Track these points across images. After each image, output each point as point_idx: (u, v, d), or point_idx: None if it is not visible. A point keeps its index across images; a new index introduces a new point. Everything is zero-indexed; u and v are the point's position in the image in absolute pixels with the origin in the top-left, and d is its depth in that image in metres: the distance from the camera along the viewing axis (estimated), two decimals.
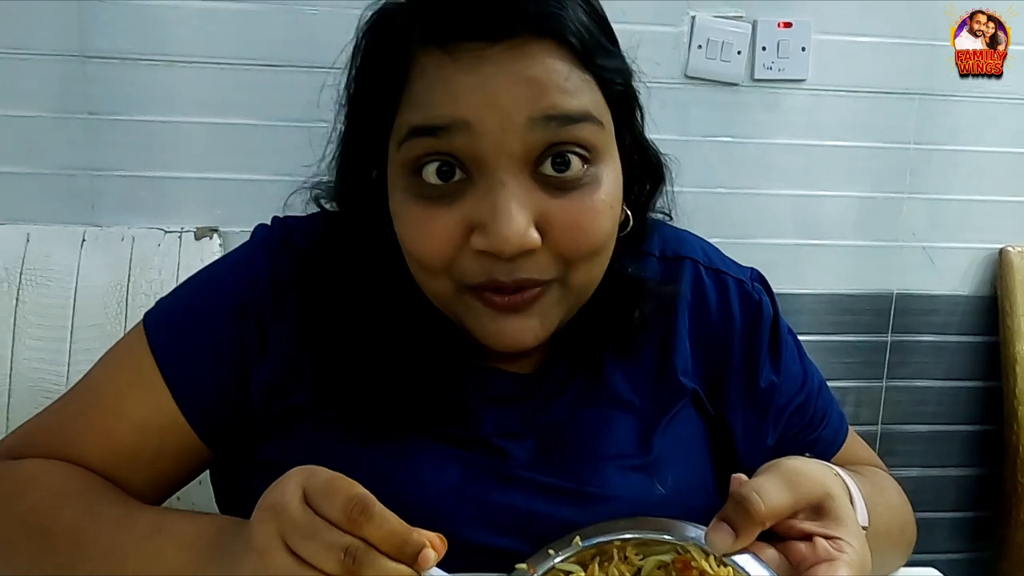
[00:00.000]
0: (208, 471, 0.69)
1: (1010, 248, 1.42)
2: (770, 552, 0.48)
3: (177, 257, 1.25)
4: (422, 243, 0.56)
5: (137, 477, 0.62)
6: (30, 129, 1.22)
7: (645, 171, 0.65)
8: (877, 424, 1.48)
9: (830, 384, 0.77)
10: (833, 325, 1.43)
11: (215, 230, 1.26)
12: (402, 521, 0.44)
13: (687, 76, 1.30)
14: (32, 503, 0.59)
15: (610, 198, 0.57)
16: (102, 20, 1.19)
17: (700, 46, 1.30)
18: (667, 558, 0.48)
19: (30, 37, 1.19)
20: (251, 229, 1.24)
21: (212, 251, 1.26)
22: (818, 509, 0.50)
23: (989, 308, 1.45)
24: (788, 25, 1.31)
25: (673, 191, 0.70)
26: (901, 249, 1.43)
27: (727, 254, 0.76)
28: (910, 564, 0.71)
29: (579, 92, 0.54)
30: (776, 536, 0.49)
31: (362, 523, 0.43)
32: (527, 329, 0.57)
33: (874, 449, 0.81)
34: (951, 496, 1.52)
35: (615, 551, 0.50)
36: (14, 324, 1.18)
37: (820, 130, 1.37)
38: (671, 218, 0.73)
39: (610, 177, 0.57)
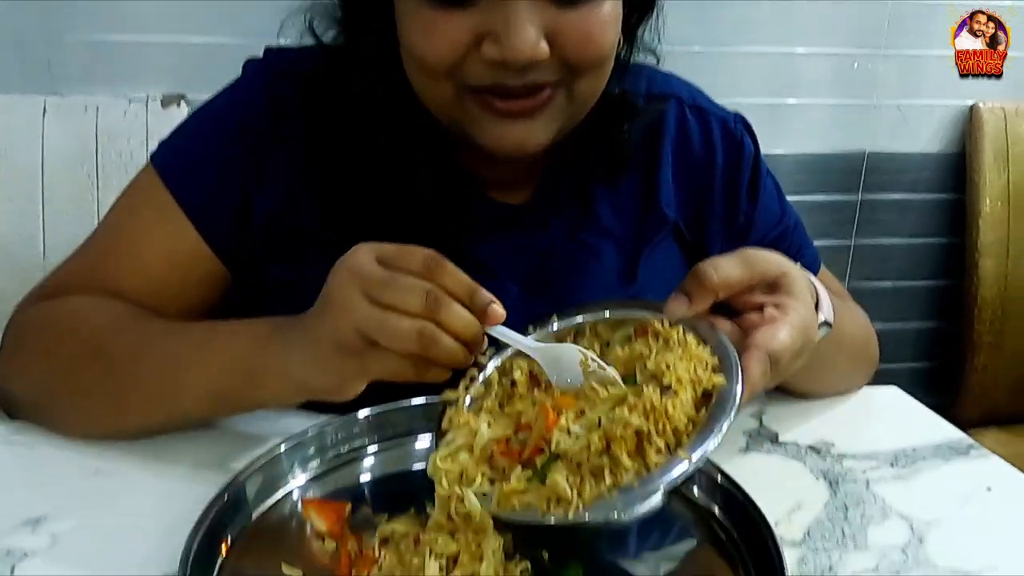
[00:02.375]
0: None
1: (980, 104, 1.44)
2: (726, 324, 0.51)
3: (145, 126, 1.21)
4: (430, 46, 0.55)
5: (170, 305, 0.65)
6: None
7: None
8: (845, 281, 1.53)
9: None
10: (806, 185, 1.45)
11: (182, 97, 1.22)
12: (469, 277, 0.48)
13: None
14: (91, 330, 0.61)
15: (615, 12, 0.58)
16: None
17: None
18: (632, 330, 0.52)
19: None
20: None
21: (180, 118, 1.21)
22: (772, 286, 0.52)
23: (957, 165, 1.48)
24: None
25: (659, 41, 0.69)
26: (875, 108, 1.44)
27: None
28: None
29: None
30: (736, 312, 0.52)
31: (439, 273, 0.47)
32: (531, 134, 0.58)
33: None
34: (912, 349, 1.60)
35: (588, 329, 0.54)
36: None
37: None
38: (658, 61, 0.73)
39: None
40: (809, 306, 0.53)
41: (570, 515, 0.42)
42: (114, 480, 0.56)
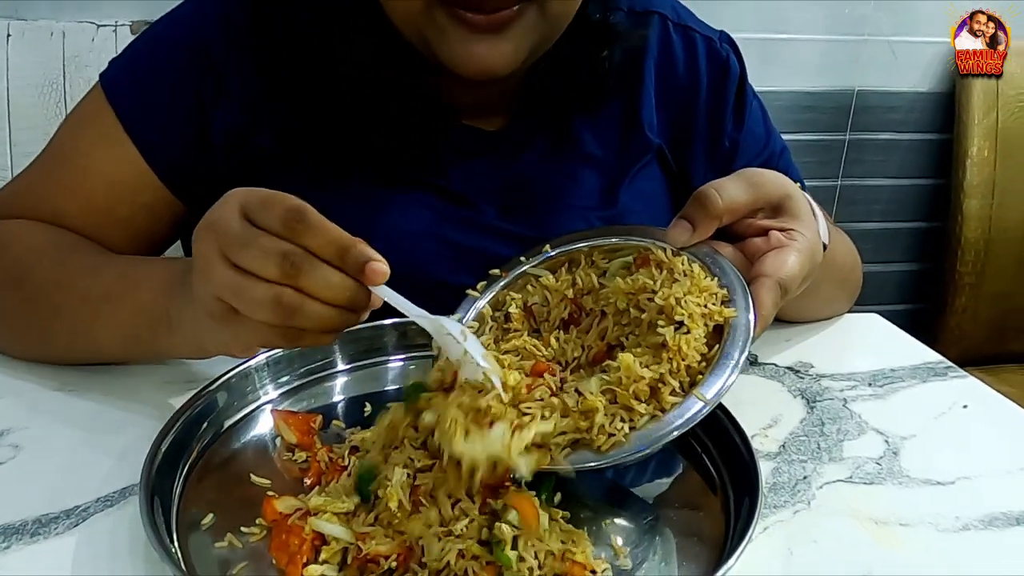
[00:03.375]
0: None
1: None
2: (728, 249, 0.49)
3: (114, 52, 1.17)
4: None
5: (115, 234, 0.62)
6: None
7: None
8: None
9: None
10: (793, 123, 1.43)
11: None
12: (345, 232, 0.42)
13: None
14: (12, 258, 0.59)
15: None
16: None
17: None
18: (631, 259, 0.50)
19: None
20: None
21: None
22: (777, 208, 0.50)
23: (946, 105, 1.46)
24: None
25: None
26: (863, 43, 1.41)
27: None
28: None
29: None
30: (739, 237, 0.50)
31: (300, 231, 0.41)
32: (500, 53, 0.55)
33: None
34: (896, 290, 1.60)
35: (583, 257, 0.51)
36: None
37: None
38: None
39: None
40: (814, 230, 0.51)
41: (590, 463, 0.41)
42: (80, 396, 0.55)
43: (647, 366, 0.43)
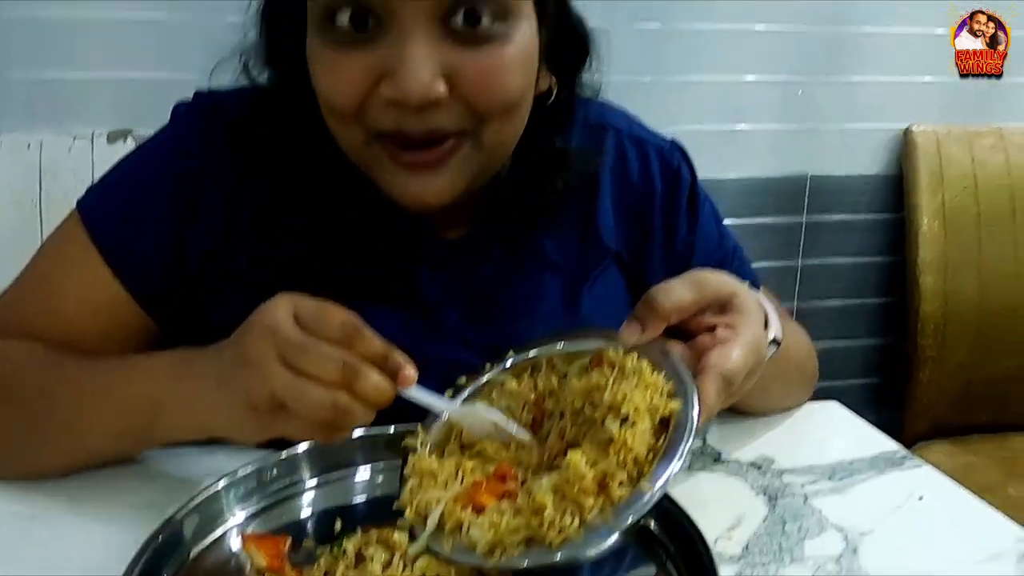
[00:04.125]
0: None
1: (913, 127, 1.49)
2: (678, 346, 0.52)
3: (91, 162, 1.20)
4: (334, 87, 0.56)
5: (90, 352, 0.63)
6: None
7: (570, 40, 0.66)
8: (794, 301, 1.57)
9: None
10: (753, 208, 1.49)
11: (129, 132, 1.21)
12: (384, 341, 0.48)
13: None
14: (3, 372, 0.61)
15: (522, 55, 0.57)
16: None
17: None
18: (588, 360, 0.52)
19: None
20: None
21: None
22: (724, 307, 0.53)
23: (895, 186, 1.53)
24: None
25: (602, 77, 0.71)
26: (814, 132, 1.49)
27: None
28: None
29: None
30: (688, 335, 0.53)
31: (356, 341, 0.47)
32: (435, 188, 0.58)
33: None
34: (861, 365, 1.64)
35: (544, 362, 0.54)
36: None
37: (736, 15, 1.38)
38: (596, 94, 0.74)
39: (523, 35, 0.57)
40: (759, 325, 0.54)
41: (539, 558, 0.42)
42: (43, 525, 0.55)
43: (594, 462, 0.44)
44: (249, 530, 0.51)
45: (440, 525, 0.44)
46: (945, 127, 1.51)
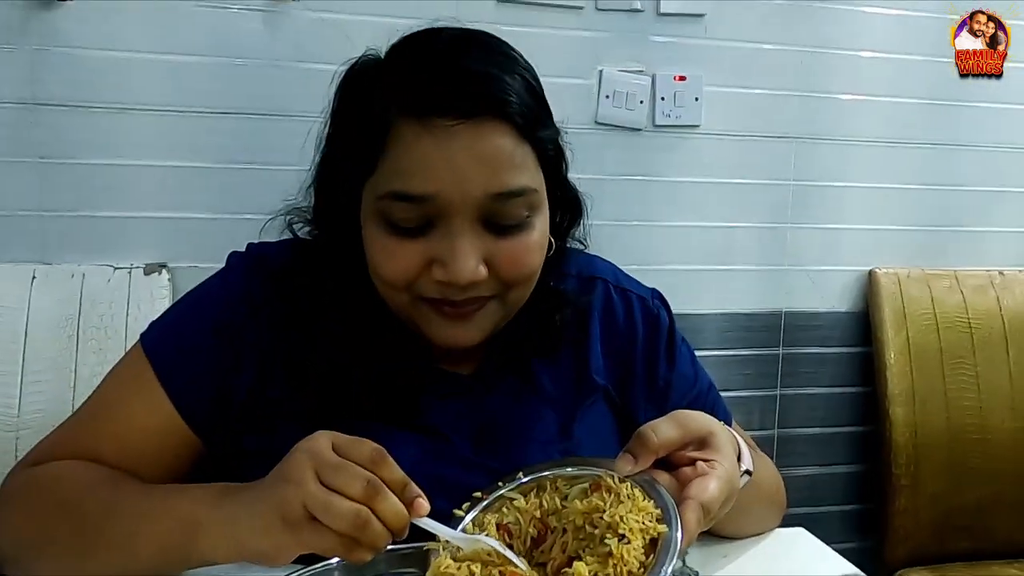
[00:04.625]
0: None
1: (877, 269, 1.64)
2: (665, 476, 0.61)
3: (127, 291, 1.32)
4: (390, 267, 0.69)
5: (146, 472, 0.73)
6: None
7: (567, 207, 0.80)
8: (774, 428, 1.66)
9: (731, 394, 0.92)
10: (732, 341, 1.61)
11: (164, 265, 1.34)
12: (403, 474, 0.57)
13: (597, 122, 1.48)
14: (68, 489, 0.70)
15: (541, 238, 0.72)
16: (52, 69, 1.27)
17: (608, 96, 1.47)
18: (587, 485, 0.61)
19: None
20: (197, 264, 1.35)
21: (161, 285, 1.33)
22: (702, 443, 0.63)
23: (862, 322, 1.66)
24: (683, 78, 1.50)
25: (589, 224, 0.84)
26: (787, 272, 1.63)
27: (638, 278, 0.91)
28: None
29: (522, 165, 0.69)
30: (672, 466, 0.63)
31: (381, 466, 0.56)
32: (468, 335, 0.71)
33: (772, 451, 0.96)
34: (841, 492, 1.71)
35: (548, 484, 0.63)
36: None
37: (714, 169, 1.56)
38: (585, 246, 0.87)
39: (541, 222, 0.72)
40: (733, 460, 0.64)
41: None
42: None
43: (595, 573, 0.53)
44: None
45: None
46: (905, 269, 1.65)
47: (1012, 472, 1.61)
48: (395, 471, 0.57)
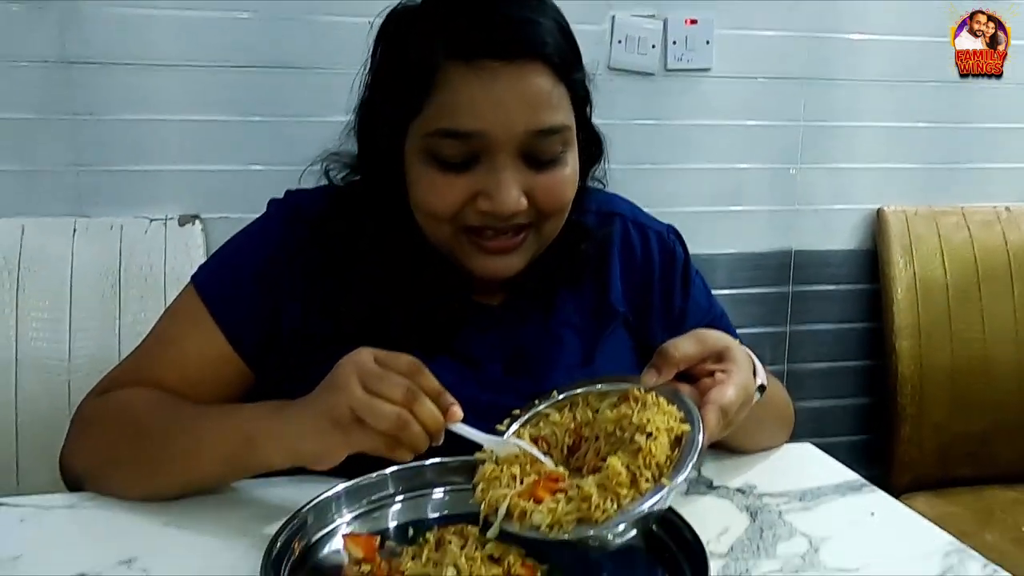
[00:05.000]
0: None
1: (885, 208, 1.68)
2: (686, 387, 0.67)
3: (163, 242, 1.38)
4: (438, 201, 0.74)
5: (203, 399, 0.79)
6: (19, 130, 1.33)
7: (590, 146, 0.85)
8: (784, 364, 1.72)
9: (742, 331, 0.96)
10: (745, 280, 1.66)
11: (197, 216, 1.40)
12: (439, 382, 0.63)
13: (610, 68, 1.51)
14: (135, 413, 0.77)
15: (574, 172, 0.78)
16: (83, 28, 1.32)
17: (620, 41, 1.50)
18: (615, 399, 0.67)
19: (15, 46, 1.30)
20: (228, 215, 1.41)
21: (195, 235, 1.40)
22: (720, 357, 0.69)
23: (871, 260, 1.70)
24: (694, 22, 1.53)
25: (608, 166, 0.89)
26: (797, 212, 1.67)
27: None
28: None
29: (559, 105, 0.74)
30: (693, 379, 0.68)
31: (418, 375, 0.62)
32: (508, 265, 0.77)
33: (782, 384, 1.01)
34: (848, 423, 1.78)
35: (581, 400, 0.70)
36: (16, 308, 1.30)
37: (725, 111, 1.59)
38: (604, 185, 0.92)
39: (573, 158, 0.77)
40: (748, 370, 0.70)
41: (591, 532, 0.56)
42: (181, 531, 0.70)
43: (627, 465, 0.59)
44: (348, 530, 0.66)
45: (508, 515, 0.58)
46: (913, 207, 1.69)
47: (1014, 402, 1.68)
48: (431, 380, 0.63)
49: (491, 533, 0.59)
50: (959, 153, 1.71)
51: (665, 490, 0.58)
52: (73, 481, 0.80)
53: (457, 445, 0.66)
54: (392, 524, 0.69)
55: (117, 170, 1.38)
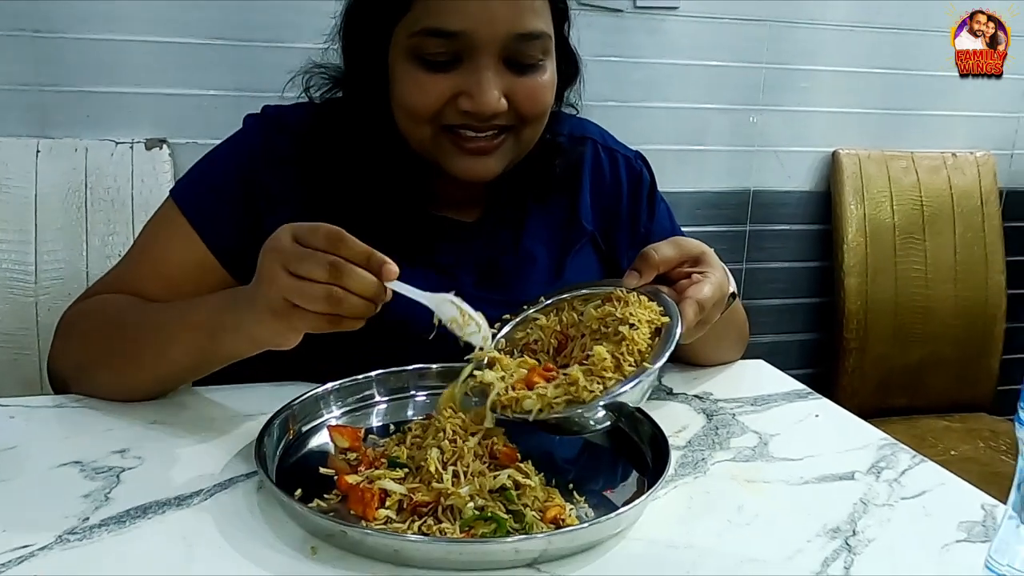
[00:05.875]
0: None
1: (840, 150, 1.74)
2: (666, 288, 0.72)
3: (130, 166, 1.37)
4: (420, 99, 0.77)
5: None
6: None
7: (567, 66, 0.87)
8: (740, 299, 1.79)
9: None
10: (704, 218, 1.72)
11: (164, 141, 1.39)
12: (365, 244, 0.62)
13: (580, 3, 1.52)
14: (114, 314, 0.80)
15: (552, 79, 0.81)
16: None
17: None
18: (599, 301, 0.71)
19: None
20: (196, 140, 1.40)
21: (162, 160, 1.39)
22: (696, 261, 0.74)
23: (824, 201, 1.77)
24: None
25: (582, 99, 0.92)
26: (757, 153, 1.73)
27: None
28: None
29: (541, 12, 0.77)
30: (672, 282, 0.72)
31: (339, 246, 0.61)
32: (487, 167, 0.80)
33: None
34: (797, 357, 1.87)
35: (566, 304, 0.74)
36: None
37: (690, 52, 1.62)
38: (577, 111, 0.95)
39: (552, 66, 0.80)
40: (722, 272, 0.75)
41: (578, 410, 0.60)
42: (168, 427, 0.73)
43: (611, 352, 0.64)
44: (335, 424, 0.70)
45: (500, 404, 0.63)
46: (866, 151, 1.76)
47: (950, 336, 1.78)
48: (355, 245, 0.61)
49: (487, 422, 0.63)
50: (912, 99, 1.77)
51: (647, 371, 0.62)
52: (59, 384, 0.82)
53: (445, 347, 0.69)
54: (376, 423, 0.73)
55: (81, 91, 1.36)
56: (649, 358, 0.64)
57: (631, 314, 0.66)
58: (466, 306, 0.66)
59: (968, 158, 1.81)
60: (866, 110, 1.76)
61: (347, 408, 0.73)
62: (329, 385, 0.71)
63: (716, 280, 0.72)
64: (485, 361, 0.67)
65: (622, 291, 0.70)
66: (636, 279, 0.71)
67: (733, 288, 0.78)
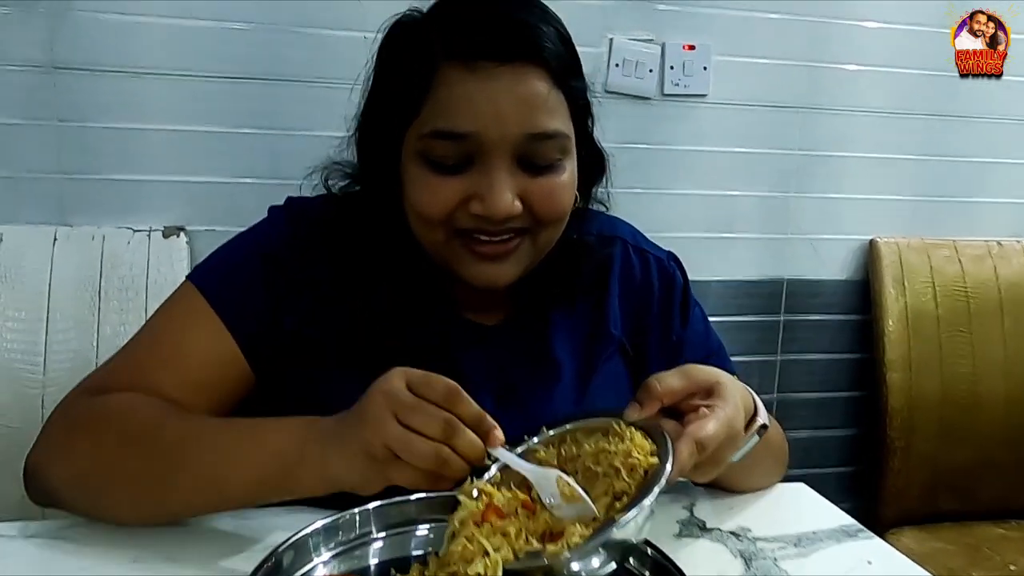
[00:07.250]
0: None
1: (878, 239, 1.67)
2: (671, 423, 0.65)
3: (147, 254, 1.35)
4: (431, 203, 0.72)
5: (202, 406, 0.75)
6: (2, 135, 1.30)
7: (592, 162, 0.83)
8: (774, 393, 1.71)
9: (734, 359, 0.95)
10: (736, 307, 1.65)
11: (182, 229, 1.37)
12: (478, 406, 0.60)
13: (607, 91, 1.50)
14: (139, 421, 0.71)
15: (571, 180, 0.76)
16: (70, 33, 1.29)
17: (617, 65, 1.49)
18: (599, 433, 0.65)
19: (2, 49, 1.27)
20: (215, 228, 1.38)
21: (179, 248, 1.37)
22: (708, 392, 0.67)
23: (862, 290, 1.70)
24: (692, 47, 1.52)
25: (609, 189, 0.87)
26: (790, 241, 1.66)
27: None
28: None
29: (556, 110, 0.73)
30: (681, 415, 0.66)
31: (456, 403, 0.59)
32: (502, 273, 0.75)
33: (772, 414, 1.00)
34: (836, 454, 1.77)
35: (568, 436, 0.67)
36: None
37: (721, 138, 1.58)
38: (607, 208, 0.91)
39: (571, 165, 0.76)
40: (737, 407, 0.68)
41: (565, 553, 0.55)
42: (150, 567, 0.67)
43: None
44: (329, 568, 0.63)
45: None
46: (906, 239, 1.69)
47: (1001, 437, 1.67)
48: (470, 407, 0.60)
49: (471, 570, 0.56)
50: (951, 186, 1.71)
51: (613, 525, 0.56)
52: (43, 492, 0.74)
53: None
54: (373, 562, 0.66)
55: (101, 179, 1.35)
56: (618, 510, 0.57)
57: (627, 451, 0.61)
58: (574, 483, 0.60)
59: (1015, 246, 1.73)
60: (903, 197, 1.70)
61: (341, 548, 0.65)
62: (319, 523, 0.64)
63: (725, 416, 0.65)
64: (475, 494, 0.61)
65: (620, 425, 0.64)
66: (636, 412, 0.65)
67: (764, 419, 0.71)
